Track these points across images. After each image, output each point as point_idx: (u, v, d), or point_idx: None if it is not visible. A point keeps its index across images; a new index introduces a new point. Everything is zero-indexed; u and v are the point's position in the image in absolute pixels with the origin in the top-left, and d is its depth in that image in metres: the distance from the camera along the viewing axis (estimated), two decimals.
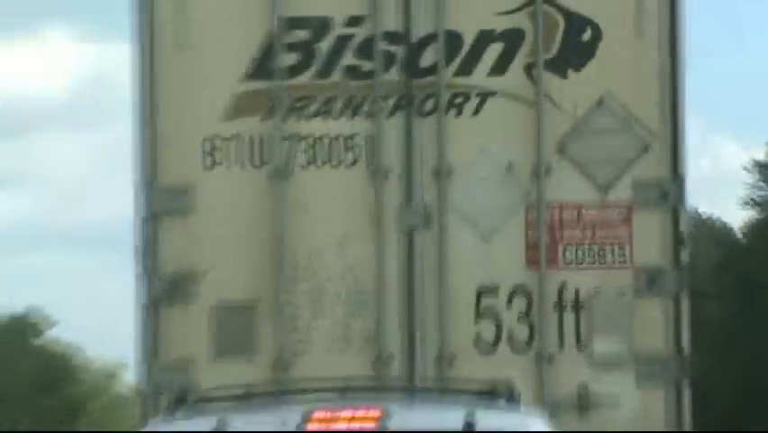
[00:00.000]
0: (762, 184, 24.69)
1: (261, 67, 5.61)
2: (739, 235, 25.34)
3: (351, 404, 3.88)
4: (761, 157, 24.88)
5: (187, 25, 5.62)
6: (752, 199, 24.48)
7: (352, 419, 3.75)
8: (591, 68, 5.63)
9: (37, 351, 45.90)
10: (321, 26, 5.57)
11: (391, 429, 3.66)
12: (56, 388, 44.61)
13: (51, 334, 48.39)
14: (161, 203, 5.55)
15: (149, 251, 5.42)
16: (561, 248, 5.60)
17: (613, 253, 5.64)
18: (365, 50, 5.62)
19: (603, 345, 5.64)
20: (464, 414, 3.72)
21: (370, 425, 3.72)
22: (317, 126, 5.59)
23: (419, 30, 5.63)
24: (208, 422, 3.72)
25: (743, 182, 25.11)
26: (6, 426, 39.04)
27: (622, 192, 5.63)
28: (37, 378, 42.12)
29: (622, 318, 5.69)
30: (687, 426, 5.71)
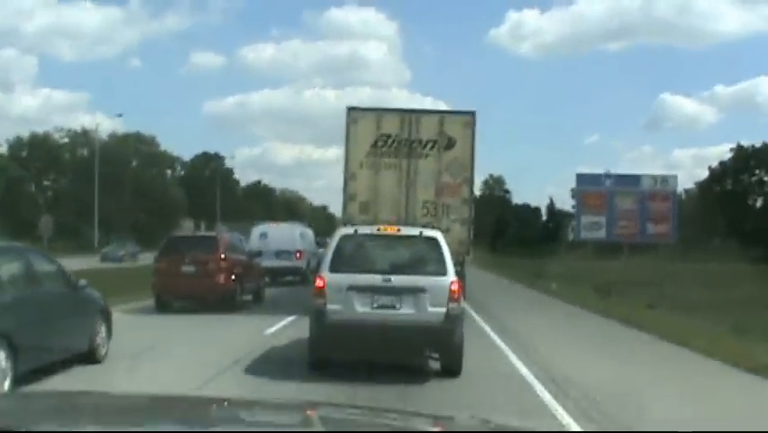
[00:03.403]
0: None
1: (374, 143, 19.10)
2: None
3: (389, 225, 11.61)
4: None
5: (356, 132, 19.13)
6: None
7: (391, 229, 11.14)
8: (453, 149, 18.97)
9: None
10: (389, 135, 19.19)
11: (402, 234, 11.01)
12: None
13: None
14: (348, 177, 19.17)
15: (346, 189, 19.43)
16: (443, 192, 19.26)
17: (457, 194, 19.26)
18: (400, 141, 19.08)
19: (453, 216, 19.23)
20: (419, 231, 11.21)
21: (395, 230, 11.10)
22: (387, 160, 19.05)
23: (412, 137, 19.13)
24: (352, 228, 11.59)
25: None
26: None
27: (460, 180, 19.56)
28: None
29: (458, 210, 19.21)
30: (471, 236, 20.02)
